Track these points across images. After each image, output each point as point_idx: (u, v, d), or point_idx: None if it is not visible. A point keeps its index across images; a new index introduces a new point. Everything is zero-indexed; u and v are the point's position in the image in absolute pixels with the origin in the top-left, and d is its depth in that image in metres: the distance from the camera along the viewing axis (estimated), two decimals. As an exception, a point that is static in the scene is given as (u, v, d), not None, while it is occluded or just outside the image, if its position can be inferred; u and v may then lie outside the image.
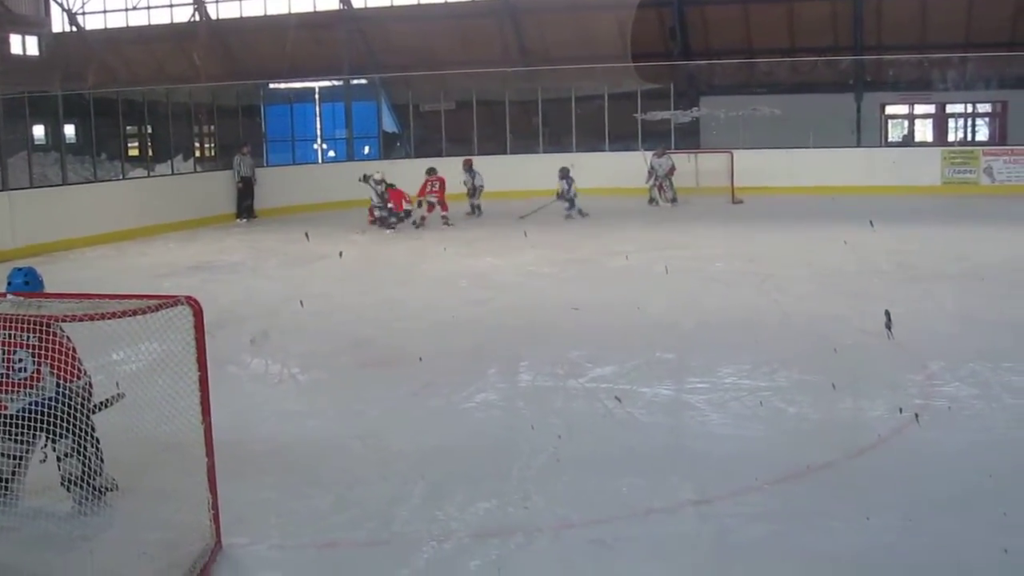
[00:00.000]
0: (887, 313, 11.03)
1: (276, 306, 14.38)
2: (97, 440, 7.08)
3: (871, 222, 18.22)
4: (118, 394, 7.28)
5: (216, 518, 6.37)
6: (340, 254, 18.85)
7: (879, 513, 6.76)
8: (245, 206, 26.79)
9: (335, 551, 6.62)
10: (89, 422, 6.99)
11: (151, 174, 27.26)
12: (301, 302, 13.57)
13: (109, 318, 5.94)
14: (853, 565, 6.15)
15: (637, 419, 9.02)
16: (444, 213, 23.85)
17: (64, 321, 6.45)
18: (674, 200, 26.65)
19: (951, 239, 19.33)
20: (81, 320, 5.99)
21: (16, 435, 6.88)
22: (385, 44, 36.42)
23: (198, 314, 6.14)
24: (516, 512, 7.03)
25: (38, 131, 30.78)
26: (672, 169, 26.96)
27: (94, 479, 6.98)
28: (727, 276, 15.99)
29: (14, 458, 6.96)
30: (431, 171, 24.46)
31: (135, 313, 5.99)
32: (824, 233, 20.09)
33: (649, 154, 27.59)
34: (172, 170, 27.41)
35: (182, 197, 25.35)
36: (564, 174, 24.77)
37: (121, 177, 26.10)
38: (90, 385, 7.09)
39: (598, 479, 7.58)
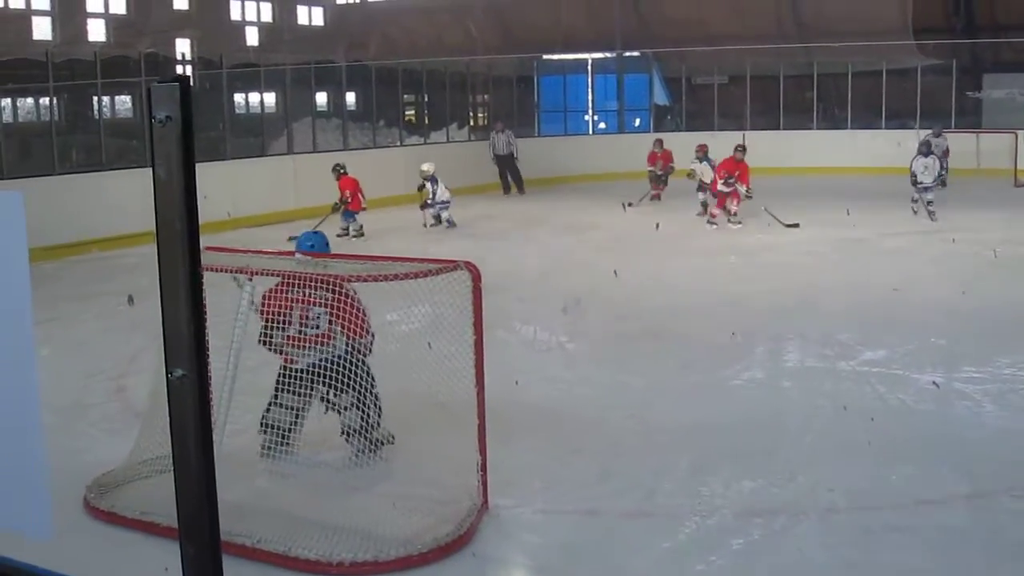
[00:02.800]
0: None
1: (544, 273, 14.59)
2: (377, 396, 7.38)
3: None
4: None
5: (484, 479, 6.56)
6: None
7: None
8: (507, 184, 26.67)
9: (598, 519, 6.70)
10: (370, 378, 7.30)
11: (427, 141, 27.98)
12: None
13: (393, 279, 6.18)
14: None
15: (909, 406, 8.79)
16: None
17: (350, 281, 6.73)
18: (943, 184, 25.32)
19: None
20: (366, 280, 6.25)
21: (297, 389, 7.25)
22: (659, 16, 36.15)
23: (477, 279, 6.31)
24: (781, 493, 6.97)
25: (321, 98, 31.93)
26: (946, 152, 25.70)
27: (371, 432, 7.29)
28: (1008, 262, 15.27)
29: (293, 410, 7.33)
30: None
31: (417, 276, 6.20)
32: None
33: (925, 132, 26.39)
34: (447, 138, 28.09)
35: (456, 164, 25.91)
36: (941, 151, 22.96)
37: (399, 143, 26.88)
38: (372, 342, 7.40)
39: (866, 465, 7.42)
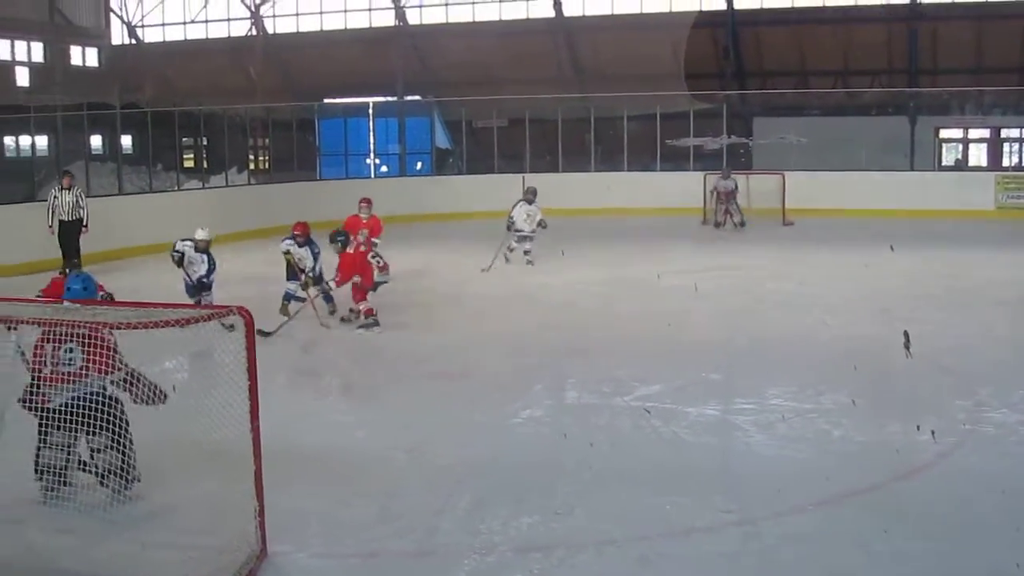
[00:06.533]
0: (905, 333, 11.00)
1: (327, 317, 14.48)
2: (131, 437, 7.28)
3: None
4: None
5: (261, 525, 6.46)
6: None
7: (922, 539, 6.76)
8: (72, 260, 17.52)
9: (378, 561, 6.68)
10: (125, 417, 7.20)
11: (205, 186, 27.57)
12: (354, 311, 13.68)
13: (163, 326, 6.05)
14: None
15: (682, 438, 9.04)
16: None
17: (118, 329, 6.55)
18: (742, 223, 25.87)
19: (1004, 264, 19.11)
20: (135, 328, 6.09)
21: (62, 426, 7.06)
22: (439, 60, 36.55)
23: (249, 324, 6.23)
24: (559, 527, 7.08)
25: (96, 141, 31.10)
26: (735, 190, 26.34)
27: (129, 472, 7.19)
28: (777, 298, 15.90)
29: (63, 448, 7.12)
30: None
31: (188, 322, 6.08)
32: (876, 257, 19.82)
33: (714, 176, 27.03)
34: (226, 182, 27.71)
35: (237, 209, 25.52)
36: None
37: (176, 188, 26.36)
38: (128, 379, 7.25)
39: (642, 497, 7.61)
